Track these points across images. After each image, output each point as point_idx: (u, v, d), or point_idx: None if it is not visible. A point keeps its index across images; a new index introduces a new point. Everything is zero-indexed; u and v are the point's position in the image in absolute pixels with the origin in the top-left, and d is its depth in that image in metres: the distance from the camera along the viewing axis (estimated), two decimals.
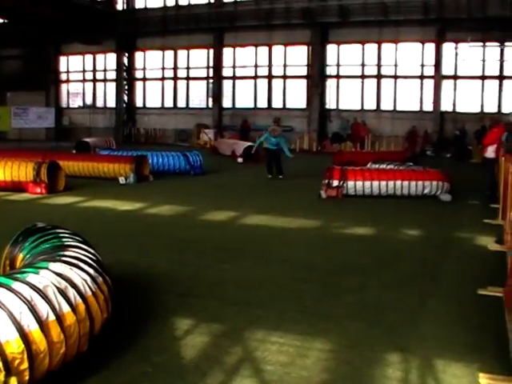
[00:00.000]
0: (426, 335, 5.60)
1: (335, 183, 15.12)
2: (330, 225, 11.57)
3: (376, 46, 34.81)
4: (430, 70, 33.63)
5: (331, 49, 36.23)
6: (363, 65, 35.41)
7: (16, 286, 4.14)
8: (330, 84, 36.57)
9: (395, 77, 34.62)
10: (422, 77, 34.02)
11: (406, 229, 11.19)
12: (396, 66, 34.55)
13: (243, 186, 18.27)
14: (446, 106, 33.43)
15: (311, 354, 5.09)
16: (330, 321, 5.92)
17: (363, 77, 35.51)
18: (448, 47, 32.98)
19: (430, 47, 33.37)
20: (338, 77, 36.36)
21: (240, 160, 25.41)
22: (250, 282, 7.32)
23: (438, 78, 33.18)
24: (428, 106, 33.87)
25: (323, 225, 11.57)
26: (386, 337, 5.52)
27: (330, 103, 36.57)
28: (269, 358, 5.00)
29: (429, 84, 33.78)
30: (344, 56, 36.06)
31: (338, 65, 36.27)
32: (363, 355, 5.12)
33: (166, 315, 5.96)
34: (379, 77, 35.02)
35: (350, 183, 15.10)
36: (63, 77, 46.20)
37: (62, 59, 45.77)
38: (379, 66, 34.98)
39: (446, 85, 33.40)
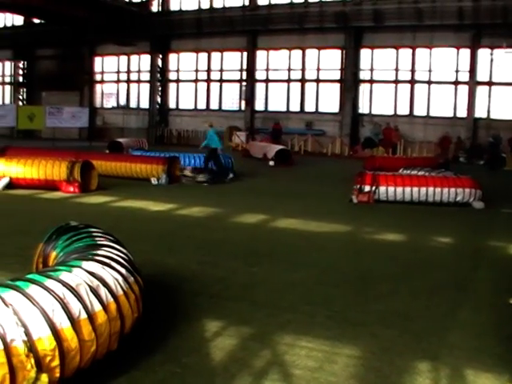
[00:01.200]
0: (456, 344, 5.54)
1: (367, 188, 15.06)
2: (360, 230, 11.52)
3: (410, 50, 34.56)
4: (464, 76, 33.24)
5: (365, 53, 36.05)
6: (397, 70, 35.17)
7: (49, 283, 4.19)
8: (363, 88, 36.41)
9: (429, 82, 34.33)
10: (456, 82, 33.65)
11: (438, 236, 11.09)
12: (430, 71, 34.25)
13: (274, 189, 18.25)
14: (480, 112, 33.01)
15: (340, 360, 5.07)
16: (359, 327, 5.89)
17: (396, 82, 35.27)
18: (483, 53, 32.59)
19: (465, 53, 32.99)
20: (371, 81, 36.19)
21: (271, 163, 25.41)
22: (280, 285, 7.31)
23: (473, 84, 32.82)
24: (462, 112, 33.46)
25: (354, 230, 11.52)
26: (415, 345, 5.48)
27: (363, 108, 36.40)
28: (297, 362, 4.99)
29: (463, 90, 33.39)
30: (377, 60, 35.85)
31: (372, 69, 36.08)
32: (392, 363, 5.08)
33: (196, 316, 5.98)
34: (413, 82, 34.75)
35: (382, 189, 15.02)
36: (97, 77, 46.62)
37: (97, 60, 46.20)
38: (413, 71, 34.70)
39: (481, 91, 33.01)
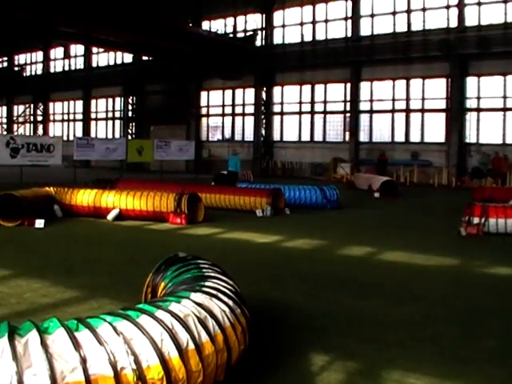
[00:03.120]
0: None
1: (476, 220, 14.62)
2: (469, 263, 11.16)
3: None
4: None
5: (471, 81, 35.35)
6: (505, 97, 34.29)
7: (158, 313, 4.26)
8: (470, 117, 35.63)
9: None
10: None
11: None
12: None
13: (380, 221, 18.03)
14: None
15: None
16: (469, 365, 5.65)
17: (505, 109, 34.35)
18: None
19: None
20: (478, 110, 35.40)
21: (377, 195, 25.15)
22: (386, 319, 7.17)
23: None
24: None
25: (463, 263, 11.18)
26: None
27: (470, 137, 35.58)
28: None
29: None
30: (484, 88, 35.07)
31: (478, 97, 35.32)
32: None
33: (301, 350, 5.92)
34: None
35: (492, 221, 14.53)
36: (203, 111, 47.71)
37: (203, 94, 47.34)
38: None
39: None
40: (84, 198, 16.68)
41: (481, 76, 34.98)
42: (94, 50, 53.79)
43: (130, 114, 51.39)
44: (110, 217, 16.10)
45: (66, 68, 57.91)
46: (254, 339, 5.57)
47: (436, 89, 36.85)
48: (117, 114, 53.94)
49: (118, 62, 52.44)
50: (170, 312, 4.31)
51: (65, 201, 16.79)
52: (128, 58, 50.56)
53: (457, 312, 7.58)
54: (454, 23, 35.17)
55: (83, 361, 3.56)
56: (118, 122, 54.00)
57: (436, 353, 5.96)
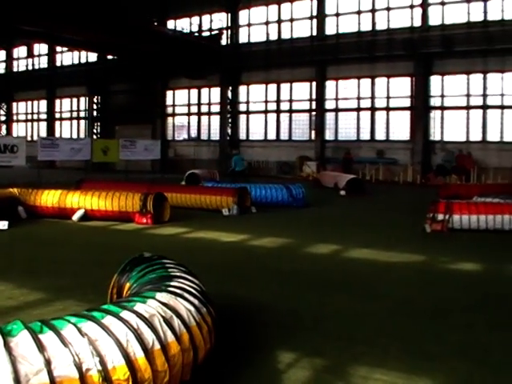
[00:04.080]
0: None
1: (440, 217, 14.77)
2: (434, 260, 11.27)
3: (481, 76, 34.04)
4: None
5: (435, 80, 35.73)
6: (468, 95, 34.70)
7: (124, 314, 4.24)
8: (434, 115, 36.01)
9: (502, 107, 33.68)
10: None
11: None
12: (503, 95, 33.62)
13: (346, 218, 18.15)
14: None
15: None
16: (435, 360, 5.72)
17: (468, 107, 34.76)
18: None
19: None
20: (442, 108, 35.77)
21: (343, 193, 25.28)
22: (353, 316, 7.21)
23: None
24: None
25: (428, 260, 11.28)
26: (494, 378, 5.29)
27: (435, 135, 35.96)
28: None
29: None
30: (448, 87, 35.46)
31: (443, 96, 35.70)
32: None
33: (268, 348, 5.93)
34: (485, 107, 34.17)
35: (456, 217, 14.70)
36: (169, 110, 47.55)
37: (169, 93, 47.18)
38: (485, 96, 34.15)
39: None
40: (49, 198, 16.51)
41: (445, 75, 35.32)
42: (58, 49, 53.22)
43: (94, 113, 50.93)
44: (75, 217, 15.96)
45: (30, 67, 57.22)
46: (221, 338, 5.57)
47: (401, 87, 37.13)
48: (81, 114, 53.42)
49: (83, 61, 51.94)
50: (135, 312, 4.29)
51: (29, 202, 16.61)
52: (93, 57, 50.10)
53: (422, 308, 7.66)
54: (418, 22, 35.47)
55: (48, 363, 3.52)
56: (82, 122, 53.49)
57: (402, 348, 6.02)
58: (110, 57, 47.59)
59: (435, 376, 5.29)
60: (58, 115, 55.36)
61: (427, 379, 5.22)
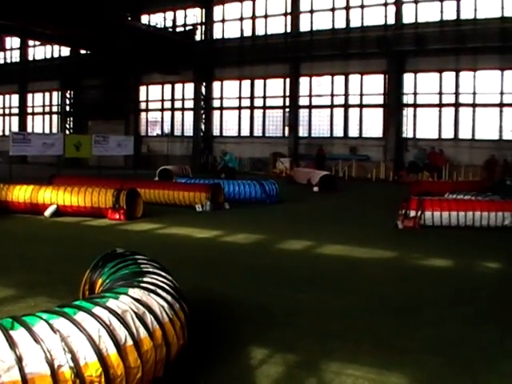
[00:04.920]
0: (507, 372, 5.38)
1: (412, 214, 14.90)
2: (406, 256, 11.37)
3: (453, 74, 34.35)
4: (509, 98, 32.83)
5: (408, 77, 35.95)
6: (440, 93, 34.97)
7: (96, 310, 4.22)
8: (407, 113, 36.23)
9: (473, 105, 33.99)
10: (501, 105, 33.24)
11: (486, 261, 10.89)
12: (474, 94, 33.93)
13: (319, 214, 18.21)
14: None
15: None
16: (406, 355, 5.77)
17: (441, 105, 35.04)
18: None
19: (510, 74, 32.63)
20: (414, 105, 36.01)
21: (316, 189, 25.36)
22: (325, 312, 7.25)
23: None
24: (508, 135, 32.99)
25: (400, 256, 11.38)
26: (465, 372, 5.35)
27: (407, 132, 36.20)
28: None
29: (508, 112, 32.98)
30: (421, 84, 35.72)
31: (415, 93, 35.94)
32: None
33: (241, 344, 5.95)
34: (457, 105, 34.46)
35: (428, 214, 14.84)
36: (142, 106, 47.30)
37: (142, 89, 46.91)
38: (457, 94, 34.45)
39: None
40: (20, 194, 16.36)
41: (417, 72, 35.55)
42: (31, 42, 52.58)
43: (67, 108, 50.42)
44: (48, 213, 15.83)
45: (1, 61, 56.49)
46: (194, 334, 5.57)
47: (374, 85, 37.29)
48: (54, 109, 52.81)
49: (56, 55, 51.35)
50: (107, 308, 4.27)
51: (0, 197, 16.45)
52: (66, 51, 49.59)
53: (394, 303, 7.72)
54: (391, 20, 35.64)
55: (19, 360, 3.50)
56: (55, 117, 52.89)
57: (374, 343, 6.06)
58: (83, 51, 47.17)
59: (406, 371, 5.35)
60: (30, 110, 54.74)
61: (398, 374, 5.27)
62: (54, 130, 51.07)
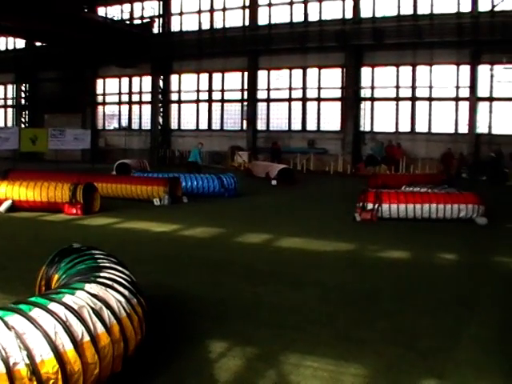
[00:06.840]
0: (462, 361, 5.49)
1: (370, 206, 15.03)
2: (364, 248, 11.48)
3: (410, 68, 34.73)
4: (465, 92, 33.29)
5: (365, 71, 36.23)
6: (398, 87, 35.33)
7: (52, 306, 4.17)
8: (365, 106, 36.52)
9: (430, 99, 34.41)
10: (457, 99, 33.71)
11: (442, 253, 11.06)
12: (431, 88, 34.35)
13: (277, 208, 18.26)
14: (481, 128, 33.02)
15: (346, 379, 5.03)
16: (364, 346, 5.84)
17: (398, 99, 35.39)
18: (483, 69, 32.72)
19: (465, 69, 33.12)
20: (372, 99, 36.30)
21: (274, 182, 25.41)
22: (284, 305, 7.28)
23: (473, 99, 32.83)
24: (463, 128, 33.46)
25: (358, 248, 11.48)
26: (421, 362, 5.43)
27: (365, 126, 36.48)
28: (303, 382, 4.95)
29: (464, 106, 33.44)
30: (378, 78, 36.01)
31: (373, 87, 36.21)
32: (398, 381, 5.04)
33: (199, 338, 5.94)
34: (414, 99, 34.85)
35: (385, 206, 14.99)
36: (99, 99, 46.81)
37: (99, 82, 46.41)
38: (414, 88, 34.83)
39: (482, 107, 33.07)
40: None
41: (375, 66, 35.83)
42: None
43: (22, 101, 49.58)
44: (2, 208, 15.59)
45: None
46: (152, 329, 5.54)
47: (332, 78, 37.45)
48: (9, 102, 51.92)
49: (10, 47, 50.49)
50: (63, 304, 4.23)
51: None
52: (21, 43, 48.79)
53: (352, 295, 7.80)
54: (349, 15, 35.78)
55: None
56: (10, 110, 52.02)
57: (332, 335, 6.12)
58: (39, 44, 46.46)
59: (364, 361, 5.41)
60: None
61: (357, 364, 5.33)
62: (9, 124, 50.21)
